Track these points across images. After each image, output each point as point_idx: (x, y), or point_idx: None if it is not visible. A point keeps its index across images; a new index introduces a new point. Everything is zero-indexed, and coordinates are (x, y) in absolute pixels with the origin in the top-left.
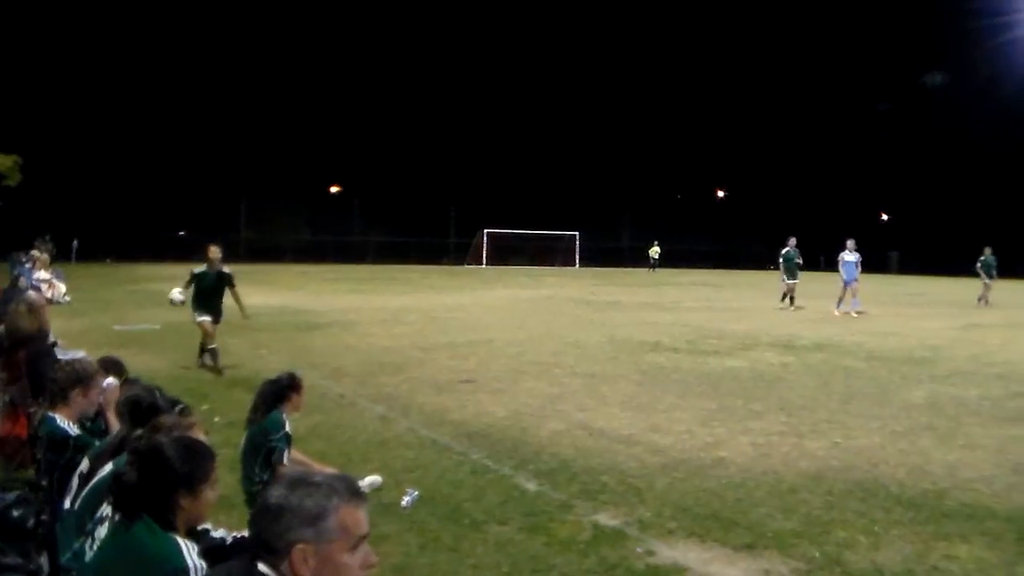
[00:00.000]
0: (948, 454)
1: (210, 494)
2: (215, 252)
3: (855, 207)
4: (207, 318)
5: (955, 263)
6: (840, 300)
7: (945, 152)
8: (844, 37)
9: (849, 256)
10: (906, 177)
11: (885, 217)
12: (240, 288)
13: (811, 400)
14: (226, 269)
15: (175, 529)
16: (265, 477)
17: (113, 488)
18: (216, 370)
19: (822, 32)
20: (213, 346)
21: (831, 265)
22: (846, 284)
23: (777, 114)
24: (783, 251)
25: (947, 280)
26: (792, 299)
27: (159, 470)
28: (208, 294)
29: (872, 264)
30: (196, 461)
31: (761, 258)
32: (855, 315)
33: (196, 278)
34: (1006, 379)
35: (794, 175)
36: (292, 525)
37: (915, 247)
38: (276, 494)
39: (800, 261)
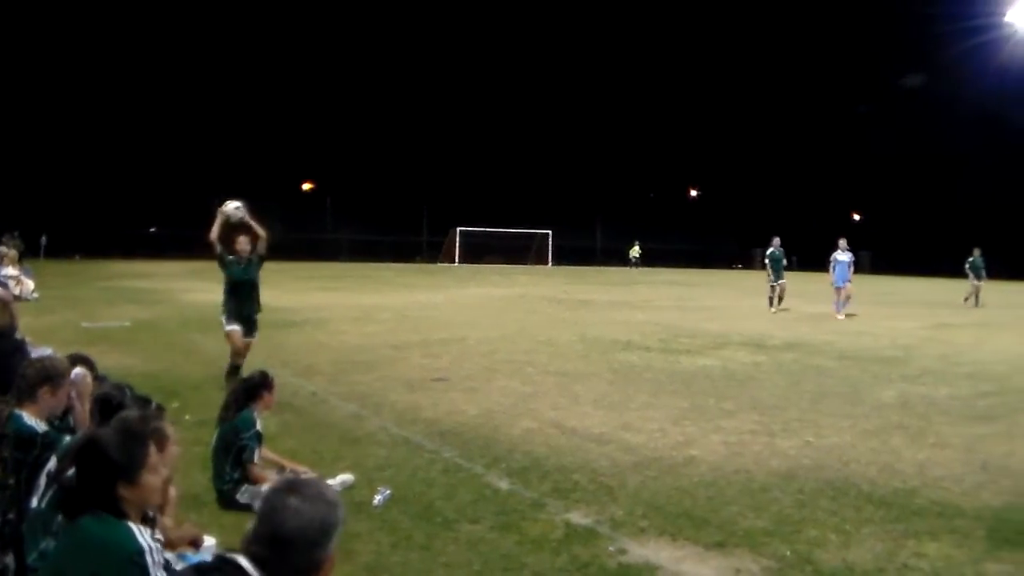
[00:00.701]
0: (918, 453)
1: (151, 479)
2: (243, 243)
3: (827, 207)
4: (236, 327)
5: (926, 263)
6: (838, 302)
7: (918, 153)
8: (816, 36)
9: (842, 256)
10: (879, 177)
11: (857, 217)
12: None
13: (783, 399)
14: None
15: (126, 516)
16: (236, 476)
17: (55, 487)
18: None
19: (793, 31)
20: (239, 364)
21: (802, 265)
22: (838, 286)
23: (750, 113)
24: (768, 251)
25: (918, 280)
26: (780, 299)
27: (96, 463)
28: (239, 291)
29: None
30: (132, 449)
31: (734, 257)
32: (843, 318)
33: (225, 265)
34: (975, 378)
35: (766, 175)
36: (322, 542)
37: (887, 247)
38: (300, 514)
39: (786, 261)
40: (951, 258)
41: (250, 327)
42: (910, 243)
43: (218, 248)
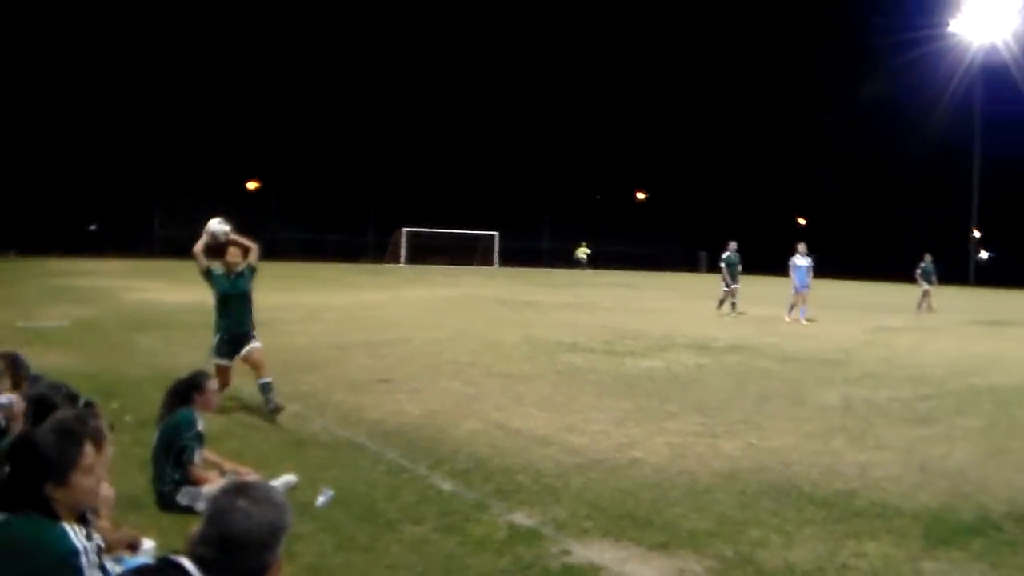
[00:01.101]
0: (859, 454)
1: (83, 480)
2: (233, 255)
3: (772, 212)
4: (225, 362)
5: (871, 268)
6: (792, 307)
7: (862, 158)
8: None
9: (801, 260)
10: (824, 183)
11: (803, 221)
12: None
13: (726, 401)
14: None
15: (60, 518)
16: (176, 477)
17: None
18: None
19: (739, 36)
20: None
21: (748, 269)
22: (797, 290)
23: (696, 118)
24: (724, 255)
25: (862, 284)
26: (734, 304)
27: (26, 463)
28: (230, 305)
29: (786, 268)
30: (64, 448)
31: (680, 260)
32: (804, 323)
33: (212, 279)
34: (915, 381)
35: (713, 179)
36: (270, 545)
37: (831, 251)
38: (249, 516)
39: (741, 267)
40: (896, 263)
41: (249, 341)
42: (854, 248)
43: (203, 262)
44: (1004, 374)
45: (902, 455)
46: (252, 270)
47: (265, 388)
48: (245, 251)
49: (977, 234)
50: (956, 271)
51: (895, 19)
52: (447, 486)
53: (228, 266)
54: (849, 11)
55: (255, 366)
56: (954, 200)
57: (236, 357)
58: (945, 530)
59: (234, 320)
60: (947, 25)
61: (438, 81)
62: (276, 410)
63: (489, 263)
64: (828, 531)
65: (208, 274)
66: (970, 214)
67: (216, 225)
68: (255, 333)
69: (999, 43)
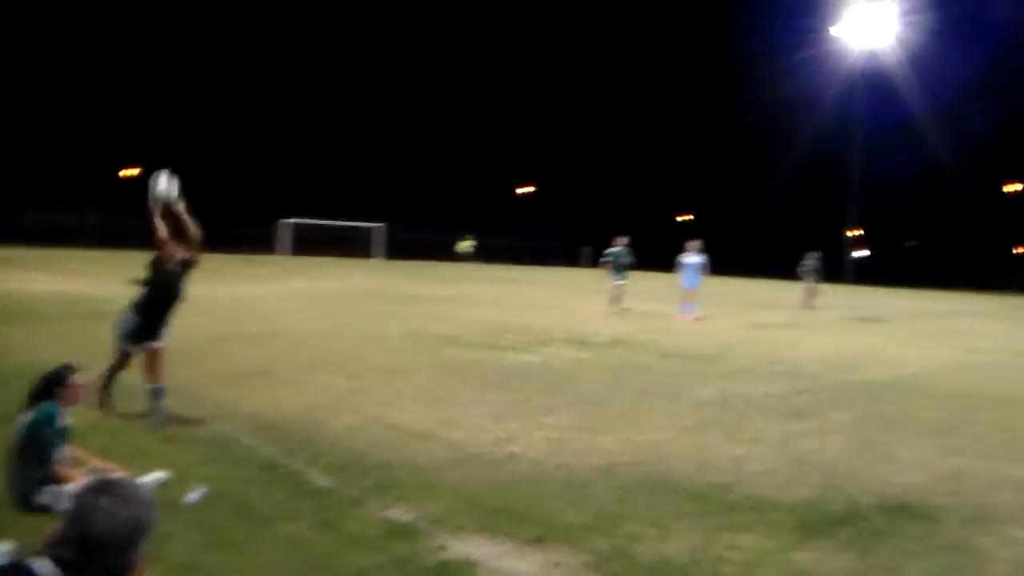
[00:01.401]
0: (735, 449)
1: None
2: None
3: (659, 208)
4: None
5: (754, 265)
6: (685, 304)
7: (748, 159)
8: (642, 38)
9: (689, 258)
10: (708, 180)
11: (690, 218)
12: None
13: (605, 396)
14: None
15: None
16: (38, 475)
17: None
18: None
19: (621, 30)
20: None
21: (640, 265)
22: (684, 288)
23: (582, 112)
24: (612, 250)
25: (744, 281)
26: (620, 300)
27: None
28: (166, 306)
29: (670, 264)
30: None
31: (562, 254)
32: (692, 320)
33: (165, 276)
34: (792, 376)
35: (598, 174)
36: (134, 544)
37: (719, 249)
38: (112, 515)
39: (628, 261)
40: (783, 261)
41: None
42: (742, 246)
43: (170, 251)
44: (876, 369)
45: (776, 449)
46: (191, 266)
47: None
48: (185, 242)
49: (857, 233)
50: (835, 270)
51: (777, 22)
52: (323, 482)
53: (173, 260)
54: (731, 12)
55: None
56: (834, 201)
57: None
58: (816, 521)
59: (160, 321)
60: (827, 31)
61: (321, 70)
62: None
63: (375, 255)
64: (703, 524)
65: (160, 266)
66: (844, 215)
67: (163, 182)
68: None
69: (880, 48)
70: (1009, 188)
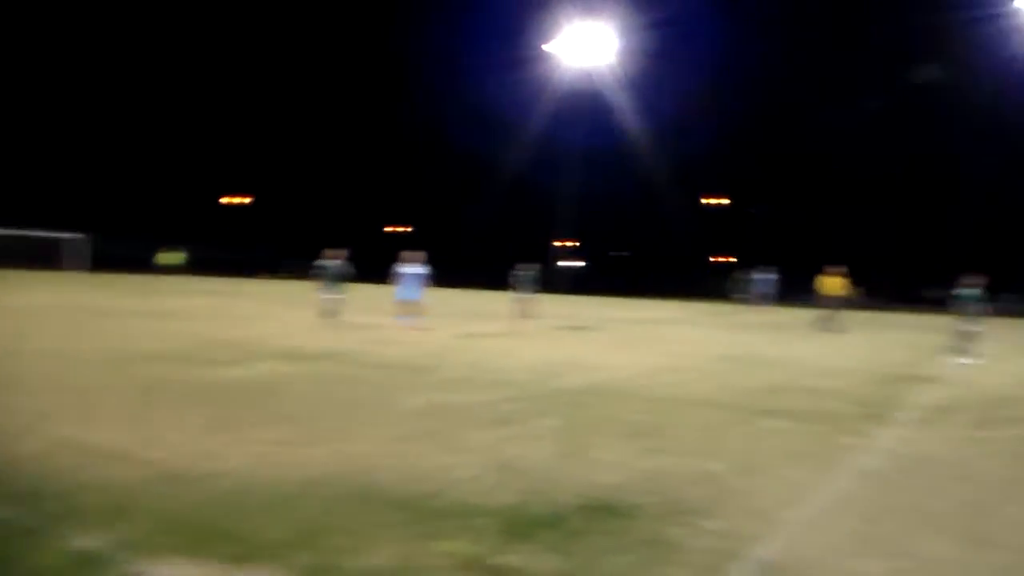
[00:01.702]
0: (443, 457)
1: None
2: None
3: (372, 220)
4: None
5: (471, 276)
6: (401, 315)
7: (461, 170)
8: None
9: (405, 268)
10: (425, 192)
11: (409, 229)
12: None
13: (314, 408)
14: None
15: None
16: None
17: None
18: None
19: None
20: None
21: (355, 276)
22: (399, 298)
23: (288, 125)
24: (323, 262)
25: (458, 291)
26: (332, 313)
27: None
28: None
29: (375, 275)
30: None
31: (270, 267)
32: (409, 330)
33: None
34: (501, 384)
35: (309, 186)
36: None
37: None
38: None
39: (343, 273)
40: (497, 272)
41: None
42: (455, 257)
43: None
44: (584, 376)
45: (483, 456)
46: None
47: None
48: None
49: (571, 245)
50: (549, 280)
51: (494, 40)
52: (2, 513)
53: None
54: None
55: None
56: (547, 214)
57: None
58: (521, 525)
59: None
60: (542, 47)
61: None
62: None
63: (76, 268)
64: (410, 532)
65: None
66: (552, 227)
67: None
68: None
69: (596, 67)
70: (707, 201)
